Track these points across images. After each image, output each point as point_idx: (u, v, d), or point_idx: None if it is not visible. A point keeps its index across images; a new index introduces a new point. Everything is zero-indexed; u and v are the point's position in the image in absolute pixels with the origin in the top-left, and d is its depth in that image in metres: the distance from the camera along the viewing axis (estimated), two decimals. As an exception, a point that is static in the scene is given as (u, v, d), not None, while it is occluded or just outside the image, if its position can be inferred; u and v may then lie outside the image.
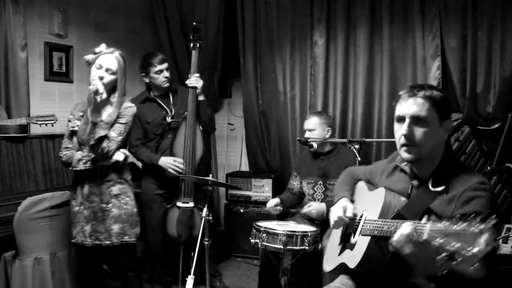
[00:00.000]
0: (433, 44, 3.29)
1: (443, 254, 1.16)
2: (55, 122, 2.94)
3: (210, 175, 2.78)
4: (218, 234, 3.93)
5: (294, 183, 3.23)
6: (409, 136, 1.54)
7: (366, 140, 2.69)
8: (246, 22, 4.04)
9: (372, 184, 1.91)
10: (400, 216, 1.55)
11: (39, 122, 2.91)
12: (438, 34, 3.27)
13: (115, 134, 2.41)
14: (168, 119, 3.23)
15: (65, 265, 2.85)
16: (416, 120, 1.54)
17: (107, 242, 2.44)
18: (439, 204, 1.51)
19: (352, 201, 1.91)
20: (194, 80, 3.16)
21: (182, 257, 3.07)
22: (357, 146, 2.61)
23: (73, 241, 2.50)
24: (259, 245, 2.51)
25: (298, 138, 3.04)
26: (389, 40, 3.46)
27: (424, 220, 1.30)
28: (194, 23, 3.23)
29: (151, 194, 3.25)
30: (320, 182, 3.04)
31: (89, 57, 2.43)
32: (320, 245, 2.61)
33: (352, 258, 1.74)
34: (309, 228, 2.60)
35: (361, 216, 1.80)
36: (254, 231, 2.57)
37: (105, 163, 2.42)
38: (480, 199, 1.44)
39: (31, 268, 2.68)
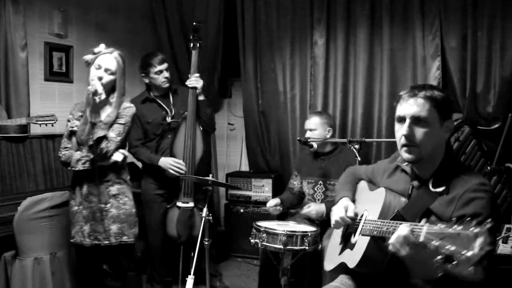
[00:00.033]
0: (433, 44, 3.29)
1: (439, 257, 1.16)
2: (55, 122, 2.94)
3: (210, 175, 2.78)
4: (218, 234, 3.93)
5: (295, 182, 3.23)
6: (409, 137, 1.54)
7: (366, 140, 2.68)
8: (246, 22, 4.04)
9: (373, 184, 1.90)
10: (400, 216, 1.55)
11: (39, 122, 2.91)
12: (438, 34, 3.27)
13: (114, 134, 2.41)
14: (168, 119, 3.23)
15: (65, 265, 2.85)
16: (416, 120, 1.53)
17: (106, 242, 2.44)
18: (439, 205, 1.51)
19: (354, 201, 1.91)
20: (194, 81, 3.15)
21: (182, 257, 3.07)
22: (357, 146, 2.61)
23: (71, 240, 2.50)
24: (259, 245, 2.51)
25: (298, 138, 3.04)
26: (389, 40, 3.46)
27: (422, 222, 1.29)
28: (194, 23, 3.23)
29: (151, 194, 3.25)
30: (321, 182, 3.04)
31: (88, 57, 2.43)
32: (320, 245, 2.61)
33: (352, 258, 1.74)
34: (309, 228, 2.60)
35: (362, 216, 1.80)
36: (254, 231, 2.57)
37: (103, 163, 2.42)
38: (480, 200, 1.43)
39: (31, 268, 2.68)
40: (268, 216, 3.19)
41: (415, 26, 3.35)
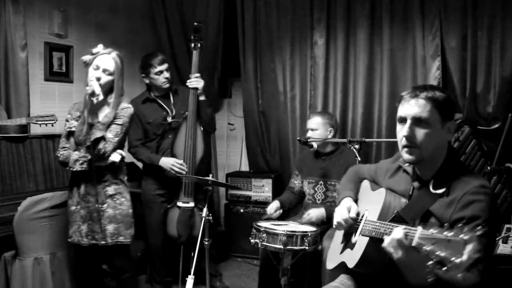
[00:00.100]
0: (433, 44, 3.29)
1: (430, 262, 1.16)
2: (55, 122, 2.94)
3: (210, 175, 2.78)
4: (218, 234, 3.93)
5: (296, 182, 3.23)
6: (410, 138, 1.53)
7: (366, 140, 2.68)
8: (246, 22, 4.04)
9: (376, 183, 1.90)
10: (400, 217, 1.55)
11: (39, 122, 2.91)
12: (438, 34, 3.27)
13: (112, 135, 2.41)
14: (169, 119, 3.23)
15: (65, 265, 2.85)
16: (417, 121, 1.53)
17: (103, 242, 2.44)
18: (439, 206, 1.50)
19: (356, 200, 1.91)
20: (195, 81, 3.15)
21: (182, 257, 3.07)
22: (357, 146, 2.60)
23: (69, 240, 2.50)
24: (259, 245, 2.51)
25: (298, 138, 3.04)
26: (389, 40, 3.46)
27: (419, 228, 1.30)
28: (195, 23, 3.22)
29: (151, 194, 3.25)
30: (321, 182, 3.04)
31: (86, 58, 2.43)
32: (320, 245, 2.61)
33: (351, 258, 1.74)
34: (309, 228, 2.60)
35: (363, 216, 1.80)
36: (254, 231, 2.57)
37: (101, 164, 2.42)
38: (480, 203, 1.43)
39: (31, 268, 2.68)
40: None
41: (415, 26, 3.35)
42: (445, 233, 1.18)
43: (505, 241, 2.36)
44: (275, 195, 3.79)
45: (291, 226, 2.69)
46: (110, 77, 2.42)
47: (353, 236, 1.82)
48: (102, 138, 2.35)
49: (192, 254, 2.67)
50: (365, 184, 1.95)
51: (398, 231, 1.33)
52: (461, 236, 1.14)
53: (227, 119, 4.69)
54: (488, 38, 3.11)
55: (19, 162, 2.96)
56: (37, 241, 2.73)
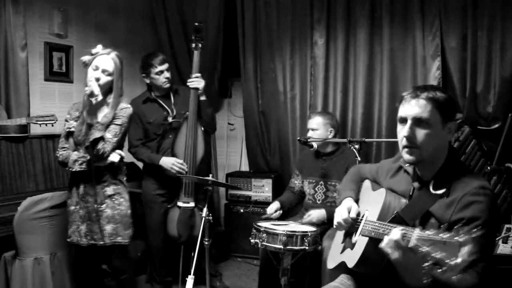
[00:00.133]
0: (433, 44, 3.29)
1: (427, 263, 1.16)
2: (55, 122, 2.94)
3: (210, 175, 2.78)
4: (218, 234, 3.93)
5: (296, 182, 3.23)
6: (410, 138, 1.53)
7: (366, 140, 2.68)
8: (246, 22, 4.04)
9: (377, 183, 1.90)
10: (399, 218, 1.55)
11: (39, 122, 2.91)
12: (438, 34, 3.27)
13: (110, 135, 2.41)
14: (169, 119, 3.22)
15: (65, 265, 2.85)
16: (418, 121, 1.52)
17: (101, 242, 2.44)
18: (439, 207, 1.50)
19: (357, 200, 1.91)
20: (196, 81, 3.16)
21: (182, 257, 3.07)
22: (357, 146, 2.60)
23: (68, 240, 2.50)
24: (259, 245, 2.51)
25: (298, 138, 3.04)
26: (389, 40, 3.46)
27: (417, 230, 1.30)
28: (196, 24, 3.22)
29: (151, 194, 3.25)
30: (322, 182, 3.04)
31: (86, 58, 2.43)
32: (320, 245, 2.61)
33: (351, 258, 1.74)
34: (309, 228, 2.60)
35: (363, 216, 1.80)
36: (254, 231, 2.57)
37: (100, 164, 2.42)
38: (479, 204, 1.42)
39: (31, 268, 2.68)
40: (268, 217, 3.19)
41: (415, 26, 3.34)
42: (441, 234, 1.18)
43: (505, 241, 2.36)
44: (275, 195, 3.79)
45: (291, 226, 2.69)
46: (109, 78, 2.42)
47: (354, 236, 1.82)
48: (101, 138, 2.35)
49: (192, 254, 2.67)
50: (367, 184, 1.95)
51: (396, 232, 1.33)
52: (457, 238, 1.15)
53: (227, 119, 4.69)
54: (488, 38, 3.11)
55: (19, 162, 2.96)
56: (37, 241, 2.73)
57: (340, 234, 2.01)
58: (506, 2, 3.05)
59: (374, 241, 1.58)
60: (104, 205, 2.45)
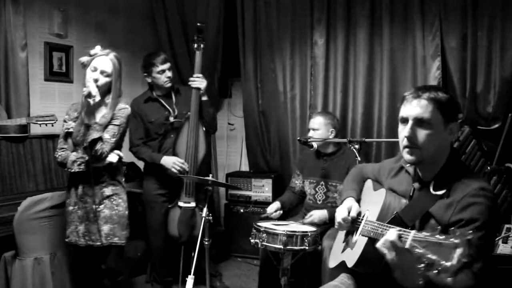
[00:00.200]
0: (433, 44, 3.28)
1: (423, 264, 1.16)
2: (55, 122, 2.94)
3: (210, 175, 2.78)
4: (218, 234, 3.93)
5: (297, 182, 3.23)
6: (411, 138, 1.52)
7: (366, 140, 2.68)
8: (246, 22, 4.04)
9: (379, 183, 1.90)
10: (399, 218, 1.55)
11: (39, 122, 2.91)
12: (438, 34, 3.27)
13: (109, 136, 2.41)
14: (171, 119, 3.22)
15: (65, 265, 2.85)
16: (419, 122, 1.52)
17: (98, 243, 2.44)
18: (439, 208, 1.50)
19: (359, 200, 1.91)
20: (198, 81, 3.16)
21: (183, 257, 3.07)
22: (357, 146, 2.60)
23: (66, 240, 2.51)
24: (259, 245, 2.51)
25: (298, 138, 3.03)
26: (389, 40, 3.46)
27: (413, 232, 1.30)
28: (198, 24, 3.22)
29: (152, 194, 3.25)
30: (322, 182, 3.04)
31: (84, 59, 2.43)
32: (320, 245, 2.61)
33: (351, 257, 1.75)
34: (309, 228, 2.60)
35: (363, 216, 1.80)
36: (254, 231, 2.57)
37: (98, 164, 2.42)
38: (479, 205, 1.42)
39: (31, 268, 2.68)
40: (267, 216, 3.19)
41: (415, 26, 3.34)
42: (437, 236, 1.18)
43: (505, 241, 2.36)
44: (275, 195, 3.79)
45: (291, 226, 2.69)
46: (107, 79, 2.42)
47: (354, 235, 1.82)
48: (99, 139, 2.35)
49: (193, 254, 2.67)
50: (368, 184, 1.95)
51: (392, 233, 1.33)
52: (452, 239, 1.14)
53: (227, 119, 4.69)
54: (488, 38, 3.11)
55: (19, 162, 2.96)
56: (37, 241, 2.73)
57: (342, 234, 2.01)
58: (506, 2, 3.05)
59: (373, 241, 1.58)
60: (102, 206, 2.45)
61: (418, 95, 1.53)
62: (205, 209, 2.66)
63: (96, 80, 2.37)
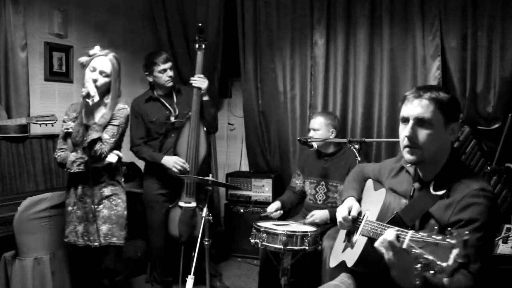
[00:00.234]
0: (433, 44, 3.28)
1: (420, 264, 1.17)
2: (55, 122, 2.94)
3: (210, 175, 2.78)
4: (218, 234, 3.93)
5: (297, 181, 3.23)
6: (412, 138, 1.52)
7: (366, 140, 2.67)
8: (246, 22, 4.04)
9: (380, 183, 1.90)
10: (399, 218, 1.55)
11: (39, 122, 2.91)
12: (438, 34, 3.27)
13: (108, 136, 2.41)
14: (172, 119, 3.23)
15: (65, 265, 2.85)
16: (420, 122, 1.51)
17: (96, 243, 2.44)
18: (439, 208, 1.50)
19: (360, 199, 1.91)
20: (200, 81, 3.16)
21: (183, 257, 3.07)
22: (357, 146, 2.60)
23: (65, 240, 2.51)
24: (259, 245, 2.51)
25: (298, 138, 3.03)
26: (389, 40, 3.46)
27: (410, 232, 1.30)
28: (200, 24, 3.23)
29: (153, 193, 3.25)
30: (323, 182, 3.03)
31: (83, 59, 2.43)
32: (320, 245, 2.61)
33: (351, 257, 1.75)
34: (309, 228, 2.60)
35: (364, 216, 1.80)
36: (254, 231, 2.57)
37: (98, 165, 2.42)
38: (478, 206, 1.42)
39: (31, 268, 2.68)
40: (267, 216, 3.19)
41: (415, 26, 3.34)
42: (434, 236, 1.18)
43: (505, 241, 2.36)
44: (275, 195, 3.79)
45: (291, 226, 2.69)
46: (106, 79, 2.42)
47: (355, 235, 1.82)
48: (99, 139, 2.35)
49: (193, 254, 2.67)
50: (369, 183, 1.95)
51: (390, 233, 1.33)
52: (449, 240, 1.14)
53: (227, 119, 4.69)
54: (488, 38, 3.11)
55: (19, 162, 2.96)
56: (37, 241, 2.73)
57: (343, 233, 2.01)
58: (506, 2, 3.05)
59: (373, 241, 1.58)
60: (101, 206, 2.45)
61: (420, 95, 1.53)
62: (205, 209, 2.65)
63: (95, 80, 2.37)
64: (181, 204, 3.13)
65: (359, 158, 2.57)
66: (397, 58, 3.46)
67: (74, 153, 2.43)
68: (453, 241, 1.13)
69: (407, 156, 1.56)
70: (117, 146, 2.51)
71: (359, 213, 1.83)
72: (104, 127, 2.41)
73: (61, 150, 2.48)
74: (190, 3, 4.23)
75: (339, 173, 2.95)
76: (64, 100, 3.63)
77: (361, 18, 3.54)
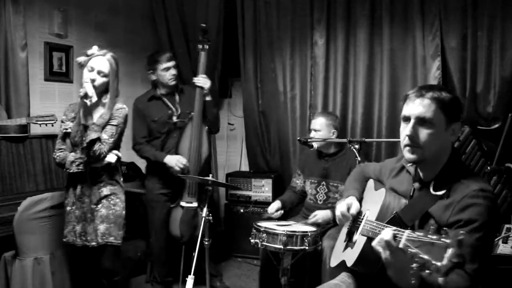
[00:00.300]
0: (433, 44, 3.28)
1: (415, 264, 1.17)
2: (55, 122, 2.94)
3: (210, 175, 2.78)
4: (218, 234, 3.93)
5: (297, 181, 3.22)
6: (413, 137, 1.52)
7: (366, 140, 2.67)
8: (246, 22, 4.04)
9: (381, 182, 1.90)
10: (398, 218, 1.55)
11: (39, 122, 2.91)
12: (438, 34, 3.27)
13: (107, 136, 2.42)
14: (174, 119, 3.23)
15: (65, 265, 2.84)
16: (421, 121, 1.51)
17: (93, 243, 2.44)
18: (438, 208, 1.50)
19: (361, 199, 1.91)
20: (203, 80, 3.16)
21: (184, 257, 3.07)
22: (357, 146, 2.60)
23: (64, 240, 2.51)
24: (259, 245, 2.51)
25: (298, 138, 3.03)
26: (389, 40, 3.46)
27: (407, 231, 1.30)
28: (203, 25, 3.24)
29: (155, 193, 3.25)
30: (323, 183, 3.03)
31: (81, 59, 2.43)
32: (320, 245, 2.61)
33: (351, 256, 1.75)
34: (309, 228, 2.60)
35: (364, 215, 1.80)
36: (254, 231, 2.57)
37: (97, 165, 2.43)
38: (478, 206, 1.42)
39: (31, 268, 2.68)
40: (269, 217, 3.19)
41: (415, 26, 3.34)
42: (430, 236, 1.18)
43: (505, 241, 2.36)
44: (275, 195, 3.79)
45: (291, 226, 2.69)
46: (105, 79, 2.42)
47: (355, 235, 1.82)
48: (98, 139, 2.35)
49: (193, 254, 2.67)
50: (370, 183, 1.95)
51: (387, 232, 1.33)
52: (444, 239, 1.15)
53: (227, 119, 4.69)
54: (488, 38, 3.11)
55: (19, 162, 2.96)
56: (37, 241, 2.73)
57: (344, 233, 2.01)
58: (506, 2, 3.05)
59: (371, 241, 1.59)
60: (100, 205, 2.45)
61: (421, 94, 1.53)
62: (205, 209, 2.66)
63: (93, 80, 2.37)
64: (183, 204, 3.13)
65: (359, 158, 2.57)
66: (397, 58, 3.46)
67: (73, 153, 2.44)
68: (448, 241, 1.14)
69: (408, 155, 1.56)
70: (116, 146, 2.51)
71: (359, 213, 1.84)
72: (102, 127, 2.41)
73: (60, 150, 2.49)
74: (190, 3, 4.23)
75: (340, 173, 2.95)
76: (64, 100, 3.63)
77: (361, 18, 3.54)
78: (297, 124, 3.90)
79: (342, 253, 1.90)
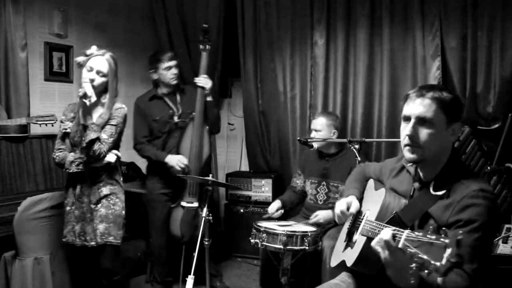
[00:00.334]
0: (433, 44, 3.28)
1: (414, 264, 1.17)
2: (55, 122, 2.94)
3: (210, 175, 2.78)
4: (218, 234, 3.93)
5: (298, 181, 3.22)
6: (413, 137, 1.52)
7: (366, 140, 2.67)
8: (246, 22, 4.04)
9: (381, 182, 1.90)
10: (398, 218, 1.55)
11: (39, 122, 2.91)
12: (438, 34, 3.27)
13: (106, 136, 2.42)
14: (175, 119, 3.23)
15: (65, 265, 2.84)
16: (421, 121, 1.51)
17: (92, 243, 2.44)
18: (438, 208, 1.50)
19: (362, 199, 1.91)
20: (204, 80, 3.17)
21: (184, 257, 3.07)
22: (357, 146, 2.60)
23: (63, 240, 2.51)
24: (259, 245, 2.51)
25: (298, 138, 3.03)
26: (389, 40, 3.46)
27: (406, 231, 1.30)
28: (204, 25, 3.24)
29: (155, 193, 3.25)
30: (324, 183, 3.03)
31: (80, 59, 2.43)
32: (320, 245, 2.61)
33: (350, 256, 1.75)
34: (309, 228, 2.60)
35: (364, 215, 1.80)
36: (254, 231, 2.57)
37: (97, 164, 2.43)
38: (477, 207, 1.42)
39: (31, 268, 2.68)
40: (270, 217, 3.19)
41: (415, 26, 3.34)
42: (429, 235, 1.18)
43: (505, 241, 2.36)
44: (275, 195, 3.79)
45: (291, 226, 2.69)
46: (103, 79, 2.42)
47: (355, 235, 1.82)
48: (97, 139, 2.35)
49: (193, 254, 2.67)
50: (370, 183, 1.95)
51: (387, 232, 1.33)
52: (443, 239, 1.15)
53: (227, 119, 4.69)
54: (488, 38, 3.11)
55: (19, 162, 2.96)
56: (37, 241, 2.73)
57: (344, 233, 2.01)
58: (506, 2, 3.05)
59: (371, 241, 1.59)
60: (99, 205, 2.45)
61: (422, 94, 1.53)
62: (205, 209, 2.65)
63: (92, 80, 2.37)
64: (184, 204, 3.14)
65: (359, 158, 2.57)
66: (397, 58, 3.46)
67: (72, 153, 2.44)
68: (446, 241, 1.14)
69: (408, 154, 1.56)
70: (115, 145, 2.51)
71: (359, 212, 1.84)
72: (102, 127, 2.41)
73: (59, 150, 2.49)
74: (190, 3, 4.23)
75: (340, 173, 2.95)
76: (64, 100, 3.62)
77: (361, 18, 3.54)
78: (297, 124, 3.90)
79: (342, 253, 1.90)
